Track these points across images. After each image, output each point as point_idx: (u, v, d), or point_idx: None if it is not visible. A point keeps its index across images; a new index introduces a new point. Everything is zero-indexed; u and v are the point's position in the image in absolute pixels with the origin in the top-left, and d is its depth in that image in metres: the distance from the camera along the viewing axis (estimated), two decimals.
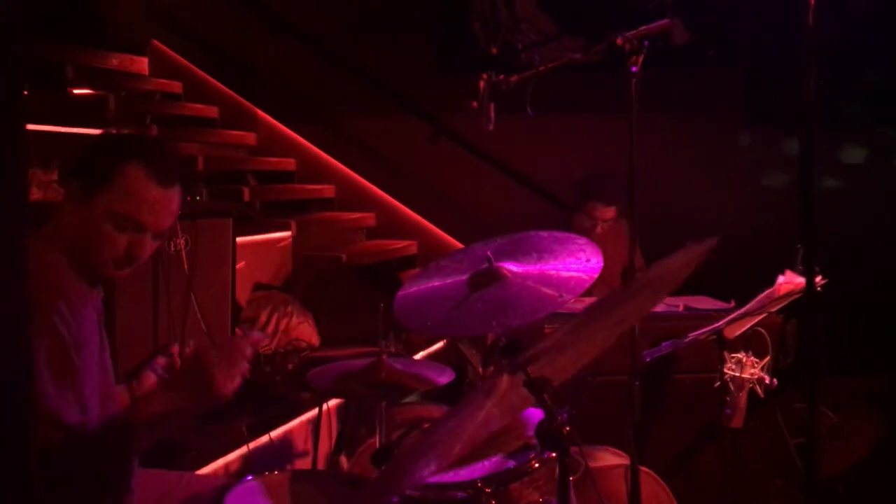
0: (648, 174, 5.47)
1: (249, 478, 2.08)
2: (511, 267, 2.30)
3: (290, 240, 5.24)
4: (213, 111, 6.56)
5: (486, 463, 1.87)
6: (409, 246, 6.13)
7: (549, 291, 2.17)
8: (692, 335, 2.75)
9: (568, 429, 1.83)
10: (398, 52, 6.33)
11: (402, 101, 6.13)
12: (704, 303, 3.74)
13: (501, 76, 2.21)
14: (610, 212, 4.11)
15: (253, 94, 6.68)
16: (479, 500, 1.77)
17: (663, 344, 2.72)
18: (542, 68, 2.21)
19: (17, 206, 1.01)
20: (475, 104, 2.24)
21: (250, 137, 6.53)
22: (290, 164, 6.51)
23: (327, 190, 6.46)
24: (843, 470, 3.77)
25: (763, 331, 2.96)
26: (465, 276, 2.33)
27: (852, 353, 4.68)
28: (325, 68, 6.50)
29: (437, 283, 2.36)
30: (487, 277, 2.27)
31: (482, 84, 2.22)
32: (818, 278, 2.60)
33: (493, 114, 2.26)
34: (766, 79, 5.51)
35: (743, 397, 2.72)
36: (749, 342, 2.91)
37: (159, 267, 3.07)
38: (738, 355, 2.74)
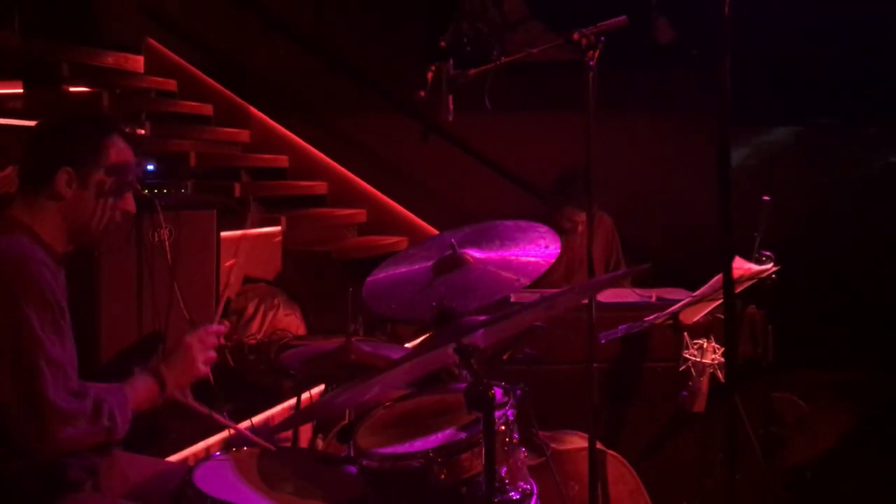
0: (631, 171, 5.63)
1: (217, 454, 2.18)
2: (474, 253, 2.41)
3: (280, 235, 5.34)
4: (207, 109, 6.65)
5: (440, 435, 1.97)
6: (399, 242, 6.23)
7: (508, 275, 2.28)
8: (648, 319, 2.84)
9: (515, 405, 1.94)
10: (390, 50, 6.43)
11: (393, 99, 6.23)
12: (678, 294, 3.83)
13: (458, 70, 2.30)
14: (583, 216, 4.20)
15: (247, 92, 6.78)
16: (432, 469, 1.87)
17: (619, 327, 2.81)
18: (499, 62, 2.31)
19: None
20: (422, 94, 2.34)
21: (244, 135, 6.63)
22: (283, 160, 6.61)
23: (319, 186, 6.56)
24: (811, 458, 3.86)
25: (722, 318, 3.06)
26: (430, 263, 2.43)
27: (828, 346, 4.79)
28: (318, 67, 6.61)
29: (404, 269, 2.46)
30: (451, 263, 2.38)
31: (430, 75, 2.32)
32: (770, 266, 2.70)
33: (451, 105, 2.36)
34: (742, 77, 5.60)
35: (704, 382, 2.81)
36: (711, 328, 3.00)
37: (143, 257, 3.16)
38: (700, 341, 2.83)
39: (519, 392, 2.07)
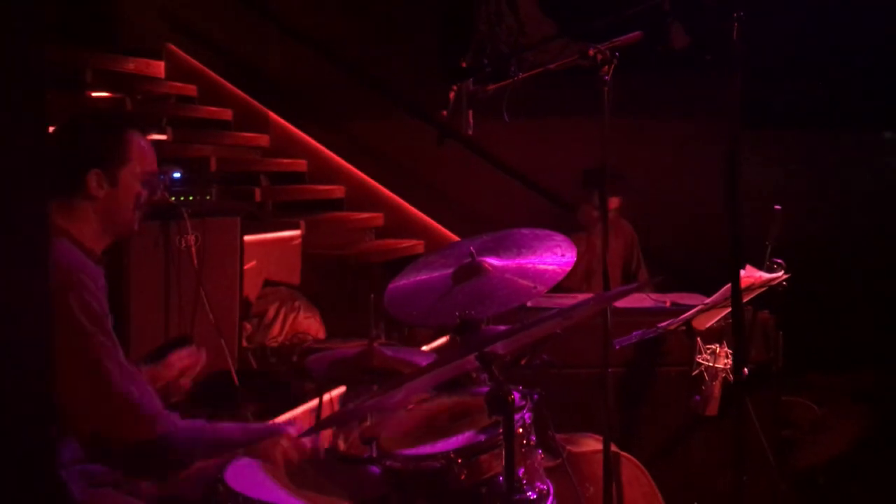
0: (649, 178, 5.68)
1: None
2: (492, 261, 2.48)
3: (299, 239, 5.44)
4: (227, 114, 6.76)
5: (460, 437, 2.05)
6: (415, 245, 6.32)
7: (525, 283, 2.35)
8: (661, 325, 2.91)
9: (532, 409, 2.02)
10: (405, 56, 6.52)
11: (410, 104, 6.32)
12: (693, 300, 3.89)
13: (477, 86, 2.38)
14: (614, 201, 4.27)
15: (266, 97, 6.88)
16: (452, 469, 1.95)
17: (634, 333, 2.88)
18: (518, 77, 2.39)
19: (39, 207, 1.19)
20: (445, 113, 2.42)
21: (263, 139, 6.73)
22: (301, 165, 6.71)
23: (337, 190, 6.65)
24: (824, 461, 3.92)
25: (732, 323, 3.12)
26: (450, 270, 2.51)
27: (841, 350, 4.84)
28: (335, 73, 6.70)
29: (424, 277, 2.54)
30: (470, 271, 2.45)
31: (452, 95, 2.40)
32: (780, 274, 2.77)
33: (471, 120, 2.44)
34: (761, 83, 5.65)
35: (717, 386, 2.87)
36: (724, 334, 3.07)
37: (170, 262, 3.26)
38: (713, 346, 2.90)
39: (536, 396, 2.15)
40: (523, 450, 2.05)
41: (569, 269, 2.38)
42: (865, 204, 5.58)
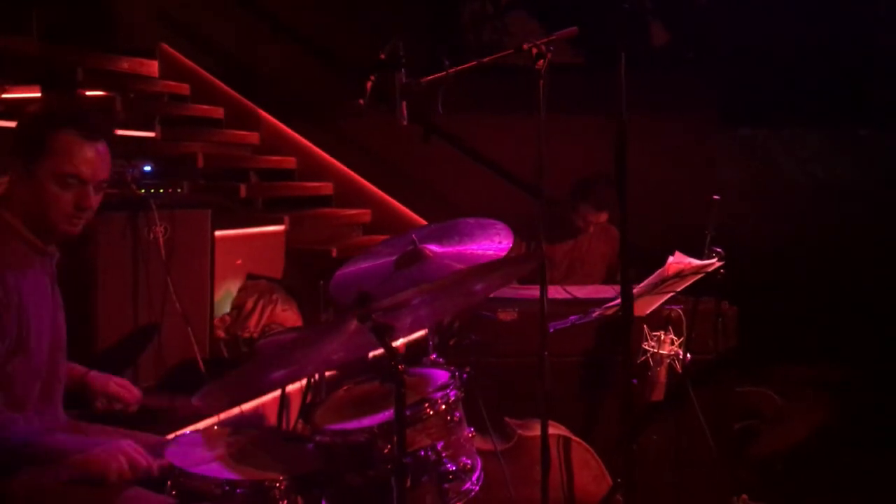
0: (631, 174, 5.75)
1: (188, 431, 2.36)
2: (434, 248, 2.59)
3: (283, 234, 5.54)
4: (218, 112, 6.87)
5: (386, 413, 2.14)
6: None
7: (462, 267, 2.44)
8: (597, 311, 2.99)
9: (460, 388, 2.11)
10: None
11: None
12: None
13: (410, 79, 2.48)
14: (601, 216, 4.39)
15: (257, 95, 6.99)
16: (376, 443, 2.04)
17: (570, 318, 2.97)
18: (451, 71, 2.48)
19: None
20: (361, 102, 2.52)
21: (253, 137, 6.84)
22: (291, 162, 6.82)
23: (326, 187, 6.76)
24: (784, 450, 3.99)
25: (680, 311, 3.20)
26: (394, 257, 2.61)
27: (807, 342, 4.92)
28: (327, 72, 6.81)
29: (369, 264, 2.64)
30: (412, 257, 2.56)
31: (369, 85, 2.50)
32: (714, 261, 2.85)
33: (405, 111, 2.54)
34: (739, 81, 5.74)
35: (662, 372, 2.96)
36: (669, 321, 3.15)
37: (139, 253, 3.37)
38: (658, 333, 2.98)
39: (465, 376, 2.24)
40: (448, 425, 2.15)
41: (504, 254, 2.48)
42: (837, 199, 5.65)
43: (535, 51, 2.43)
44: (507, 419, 3.32)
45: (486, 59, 2.50)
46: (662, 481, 3.61)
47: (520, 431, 3.15)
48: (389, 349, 1.64)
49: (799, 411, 4.25)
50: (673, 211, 5.78)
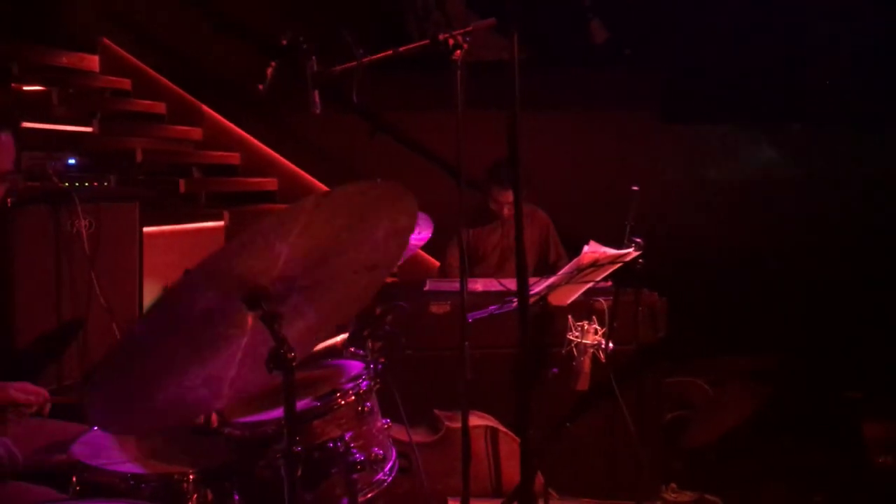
0: (566, 168, 5.81)
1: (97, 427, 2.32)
2: None
3: (223, 230, 5.49)
4: (160, 107, 6.81)
5: (298, 404, 2.13)
6: None
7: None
8: (516, 301, 2.99)
9: (370, 378, 2.10)
10: (339, 49, 6.58)
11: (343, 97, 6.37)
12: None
13: (322, 67, 2.47)
14: (508, 195, 4.35)
15: (200, 90, 6.93)
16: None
17: (489, 308, 2.97)
18: (363, 60, 2.47)
19: None
20: (261, 87, 2.51)
21: (196, 132, 6.78)
22: (234, 158, 6.77)
23: (270, 183, 6.72)
24: (715, 440, 4.05)
25: (602, 301, 3.23)
26: None
27: (738, 333, 4.99)
28: (269, 65, 6.74)
29: None
30: None
31: (269, 71, 2.48)
32: (630, 250, 2.87)
33: (318, 99, 2.53)
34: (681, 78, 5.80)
35: (586, 362, 2.97)
36: (592, 311, 3.17)
37: (61, 247, 3.31)
38: (582, 323, 2.99)
39: (379, 367, 2.23)
40: (359, 416, 2.14)
41: (423, 243, 2.48)
42: (771, 192, 5.75)
43: (451, 42, 2.43)
44: (436, 411, 3.33)
45: (401, 49, 2.49)
46: (593, 471, 3.66)
47: (447, 423, 3.16)
48: (278, 338, 1.63)
49: (729, 401, 4.31)
50: (611, 205, 5.84)
